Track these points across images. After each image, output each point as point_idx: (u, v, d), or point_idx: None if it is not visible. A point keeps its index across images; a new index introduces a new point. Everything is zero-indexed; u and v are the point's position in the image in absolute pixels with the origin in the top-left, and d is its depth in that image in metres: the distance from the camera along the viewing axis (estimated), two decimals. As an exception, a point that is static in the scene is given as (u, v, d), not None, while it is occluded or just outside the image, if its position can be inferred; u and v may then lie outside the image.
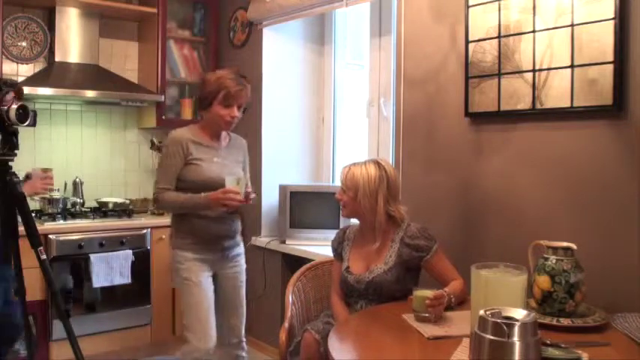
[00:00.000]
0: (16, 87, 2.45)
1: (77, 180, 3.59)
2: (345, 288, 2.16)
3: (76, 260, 3.18)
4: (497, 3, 2.22)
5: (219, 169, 2.44)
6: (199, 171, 2.42)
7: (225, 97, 2.38)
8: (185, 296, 2.46)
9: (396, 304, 2.01)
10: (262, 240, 3.40)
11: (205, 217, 2.44)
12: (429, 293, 1.81)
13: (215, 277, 2.54)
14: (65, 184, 3.60)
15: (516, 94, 2.18)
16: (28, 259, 2.29)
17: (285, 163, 3.55)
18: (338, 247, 2.27)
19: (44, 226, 3.15)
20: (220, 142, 2.53)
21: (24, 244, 2.26)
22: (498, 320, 1.24)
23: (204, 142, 2.47)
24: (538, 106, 2.11)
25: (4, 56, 3.32)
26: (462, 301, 1.98)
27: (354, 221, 2.29)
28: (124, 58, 3.90)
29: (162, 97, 3.68)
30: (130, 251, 3.32)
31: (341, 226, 2.52)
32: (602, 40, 1.92)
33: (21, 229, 2.26)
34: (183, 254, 2.45)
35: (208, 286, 2.47)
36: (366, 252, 2.17)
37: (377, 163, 2.14)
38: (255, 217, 3.47)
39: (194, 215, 2.44)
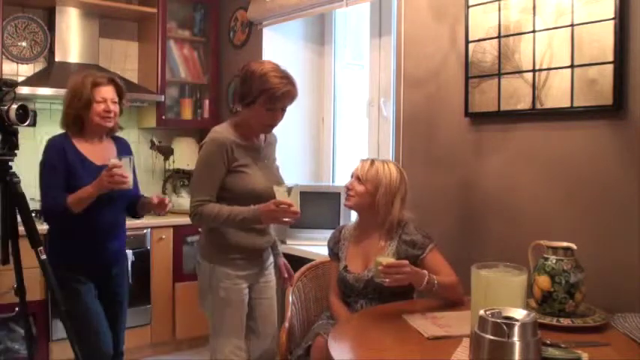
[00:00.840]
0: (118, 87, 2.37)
1: (77, 180, 3.58)
2: (344, 287, 2.15)
3: (76, 260, 3.18)
4: (497, 3, 2.22)
5: (266, 176, 2.17)
6: (247, 180, 2.13)
7: (270, 98, 2.07)
8: (219, 317, 2.18)
9: (396, 304, 2.01)
10: (262, 240, 3.40)
11: (252, 229, 2.18)
12: (384, 260, 1.86)
13: (249, 290, 2.26)
14: (65, 184, 3.61)
15: (516, 94, 2.18)
16: (28, 259, 2.28)
17: (285, 163, 3.54)
18: (334, 246, 2.26)
19: (44, 226, 3.13)
20: (260, 141, 2.26)
21: (24, 244, 2.26)
22: (498, 320, 1.23)
23: (247, 144, 2.18)
24: (538, 106, 2.11)
25: (4, 56, 3.32)
26: (456, 302, 1.97)
27: (353, 218, 2.28)
28: (124, 58, 3.90)
29: (163, 97, 3.69)
30: (130, 251, 3.30)
31: (341, 224, 2.50)
32: (602, 40, 1.92)
33: (21, 228, 2.26)
34: (224, 270, 2.15)
35: (245, 308, 2.22)
36: (364, 250, 2.17)
37: (396, 165, 2.19)
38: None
39: (236, 227, 2.16)
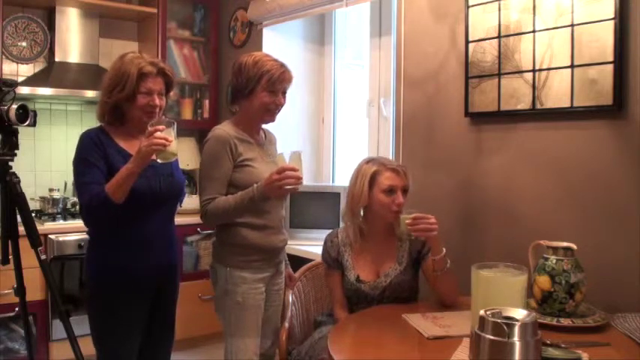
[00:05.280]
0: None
1: (77, 180, 3.58)
2: (356, 298, 2.08)
3: (75, 260, 3.17)
4: (497, 3, 2.22)
5: (273, 169, 2.06)
6: (255, 173, 2.07)
7: (270, 80, 2.06)
8: (235, 319, 2.10)
9: (396, 304, 2.00)
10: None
11: (266, 228, 2.11)
12: (409, 215, 1.90)
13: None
14: (65, 184, 3.61)
15: (516, 94, 2.18)
16: (28, 259, 2.29)
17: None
18: (339, 256, 2.11)
19: (44, 226, 3.15)
20: (261, 138, 2.22)
21: (24, 244, 2.26)
22: (498, 320, 1.23)
23: (249, 139, 2.13)
24: (538, 106, 2.11)
25: (4, 56, 3.32)
26: (452, 302, 1.96)
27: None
28: (124, 58, 3.90)
29: (162, 97, 3.68)
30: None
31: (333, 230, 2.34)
32: (602, 40, 1.92)
33: (21, 229, 2.26)
34: (240, 274, 2.08)
35: (262, 310, 2.15)
36: (374, 257, 2.10)
37: None
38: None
39: (251, 227, 2.09)
